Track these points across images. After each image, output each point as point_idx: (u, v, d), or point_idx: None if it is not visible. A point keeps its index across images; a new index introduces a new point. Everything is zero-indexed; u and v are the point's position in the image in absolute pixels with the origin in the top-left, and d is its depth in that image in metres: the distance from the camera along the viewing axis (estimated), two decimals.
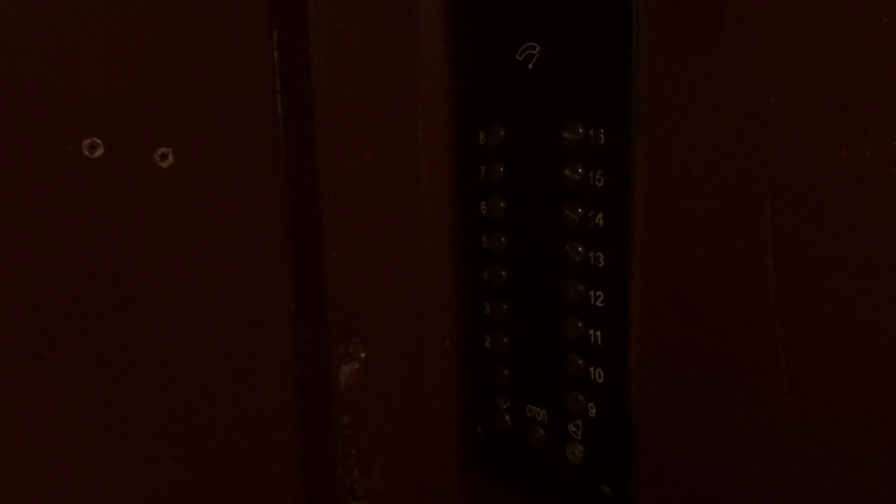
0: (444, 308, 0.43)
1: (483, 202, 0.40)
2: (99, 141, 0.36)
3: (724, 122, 0.31)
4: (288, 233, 0.42)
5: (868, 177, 0.27)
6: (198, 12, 0.38)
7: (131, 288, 0.38)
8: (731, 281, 0.31)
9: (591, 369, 0.36)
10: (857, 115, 0.27)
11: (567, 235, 0.36)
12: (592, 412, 0.36)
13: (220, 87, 0.39)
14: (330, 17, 0.38)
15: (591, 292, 0.36)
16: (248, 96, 0.40)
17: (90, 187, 0.36)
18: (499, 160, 0.39)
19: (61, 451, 0.37)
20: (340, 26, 0.39)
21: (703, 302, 0.32)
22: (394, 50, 0.40)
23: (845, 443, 0.29)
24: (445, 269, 0.43)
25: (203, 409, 0.41)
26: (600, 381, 0.36)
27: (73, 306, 0.36)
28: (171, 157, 0.38)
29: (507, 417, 0.41)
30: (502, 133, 0.39)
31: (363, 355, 0.41)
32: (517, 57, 0.37)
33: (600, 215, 0.35)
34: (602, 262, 0.35)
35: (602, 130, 0.34)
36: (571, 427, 0.37)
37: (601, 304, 0.35)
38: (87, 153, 0.36)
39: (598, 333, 0.36)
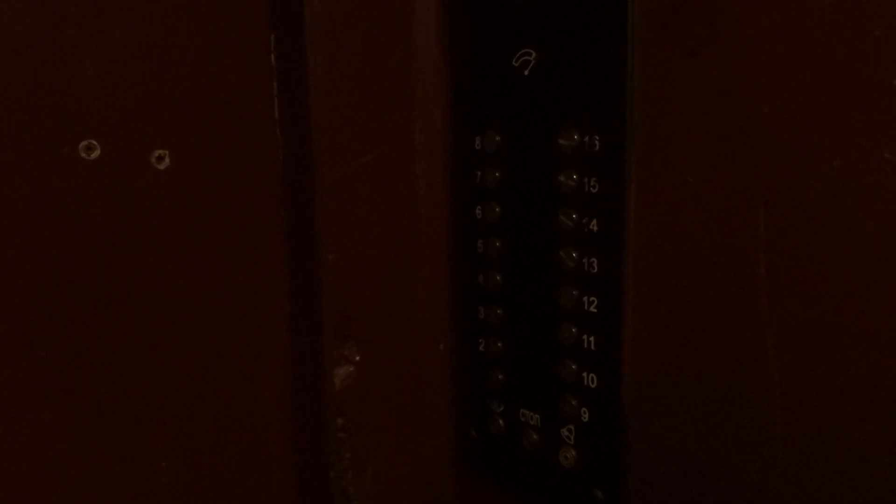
0: (439, 311, 0.43)
1: (478, 207, 0.40)
2: (96, 143, 0.36)
3: (717, 130, 0.31)
4: (284, 235, 0.42)
5: (858, 186, 0.27)
6: (195, 15, 0.38)
7: (127, 289, 0.38)
8: (723, 288, 0.32)
9: (585, 374, 0.36)
10: (848, 125, 0.27)
11: (561, 241, 0.36)
12: (585, 417, 0.37)
13: (218, 89, 0.39)
14: (327, 21, 0.38)
15: (585, 298, 0.36)
16: (245, 99, 0.40)
17: (87, 189, 0.36)
18: (494, 165, 0.39)
19: (55, 452, 0.37)
20: (337, 30, 0.39)
21: (695, 308, 0.33)
22: (390, 54, 0.41)
23: (837, 448, 0.29)
24: (440, 272, 0.43)
25: (197, 410, 0.41)
26: (593, 386, 0.36)
27: (68, 307, 0.36)
28: (167, 160, 0.38)
29: (500, 421, 0.41)
30: (498, 138, 0.39)
31: (358, 358, 0.41)
32: (513, 63, 0.38)
33: (595, 221, 0.35)
34: (596, 268, 0.35)
35: (597, 137, 0.34)
36: (564, 431, 0.38)
37: (595, 310, 0.36)
38: (83, 155, 0.36)
39: (592, 339, 0.36)
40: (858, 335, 0.28)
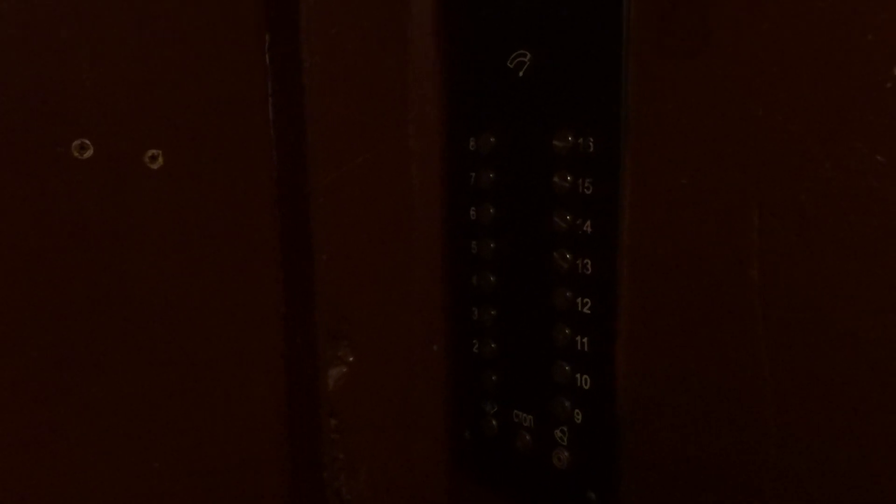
0: (433, 313, 0.43)
1: (473, 208, 0.40)
2: (89, 142, 0.36)
3: (711, 132, 0.31)
4: (278, 236, 0.42)
5: (852, 189, 0.28)
6: (190, 14, 0.38)
7: (120, 290, 0.38)
8: (716, 289, 0.32)
9: (578, 376, 0.36)
10: (841, 128, 0.27)
11: (555, 242, 0.36)
12: (579, 418, 0.37)
13: (212, 89, 0.39)
14: (322, 21, 0.38)
15: (579, 299, 0.36)
16: (239, 99, 0.40)
17: (80, 188, 0.36)
18: (489, 166, 0.39)
19: (47, 452, 0.37)
20: (332, 31, 0.39)
21: (689, 310, 0.33)
22: (386, 55, 0.41)
23: (829, 450, 0.30)
24: (434, 273, 0.43)
25: (190, 411, 0.40)
26: (587, 387, 0.36)
27: (61, 308, 0.36)
28: (161, 159, 0.38)
29: (494, 423, 0.41)
30: (493, 140, 0.39)
31: (351, 359, 0.41)
32: (508, 64, 0.38)
33: (588, 223, 0.35)
34: (590, 270, 0.35)
35: (591, 139, 0.34)
36: (558, 433, 0.38)
37: (588, 311, 0.36)
38: (76, 154, 0.35)
39: (585, 340, 0.36)
40: (851, 337, 0.28)
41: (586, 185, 0.35)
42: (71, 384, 0.37)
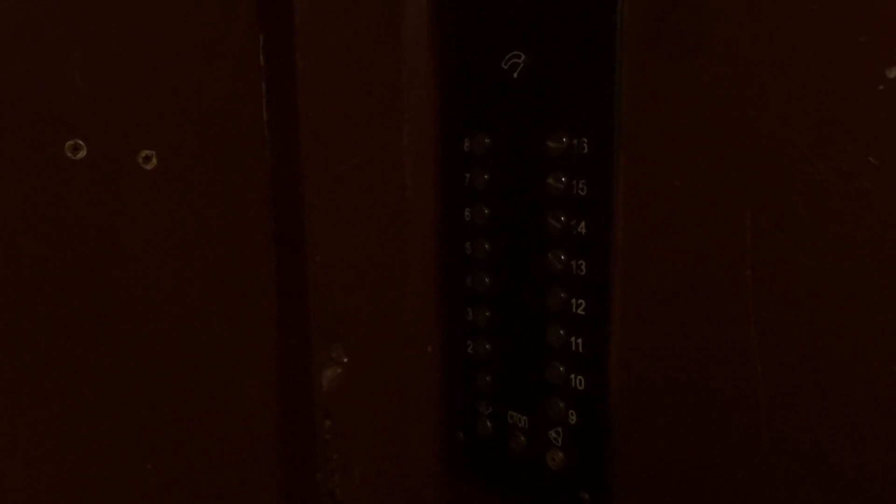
0: (428, 313, 0.43)
1: (467, 209, 0.40)
2: (82, 142, 0.35)
3: (704, 134, 0.31)
4: (272, 237, 0.42)
5: (844, 191, 0.28)
6: (184, 14, 0.38)
7: (113, 290, 0.38)
8: (709, 291, 0.32)
9: (572, 376, 0.36)
10: (834, 130, 0.28)
11: (550, 243, 0.36)
12: (573, 419, 0.37)
13: (206, 89, 0.39)
14: (316, 22, 0.38)
15: (573, 300, 0.36)
16: (233, 100, 0.40)
17: (73, 189, 0.36)
18: (483, 167, 0.39)
19: (39, 452, 0.37)
20: (327, 31, 0.39)
21: (682, 311, 0.33)
22: (380, 56, 0.41)
23: (820, 449, 0.30)
24: (429, 274, 0.43)
25: (184, 411, 0.40)
26: (581, 388, 0.36)
27: (53, 308, 0.36)
28: (154, 160, 0.38)
29: (488, 423, 0.41)
30: (487, 141, 0.39)
31: (345, 360, 0.41)
32: (502, 65, 0.38)
33: (583, 224, 0.35)
34: (584, 271, 0.35)
35: (585, 140, 0.35)
36: (552, 434, 0.38)
37: (582, 312, 0.36)
38: (69, 154, 0.35)
39: (580, 341, 0.36)
40: (843, 338, 0.29)
41: (580, 186, 0.35)
42: (63, 384, 0.37)
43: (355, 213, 0.41)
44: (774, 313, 0.30)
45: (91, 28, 0.35)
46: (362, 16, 0.40)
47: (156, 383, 0.39)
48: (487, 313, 0.40)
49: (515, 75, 0.37)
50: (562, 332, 0.36)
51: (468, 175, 0.40)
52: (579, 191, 0.35)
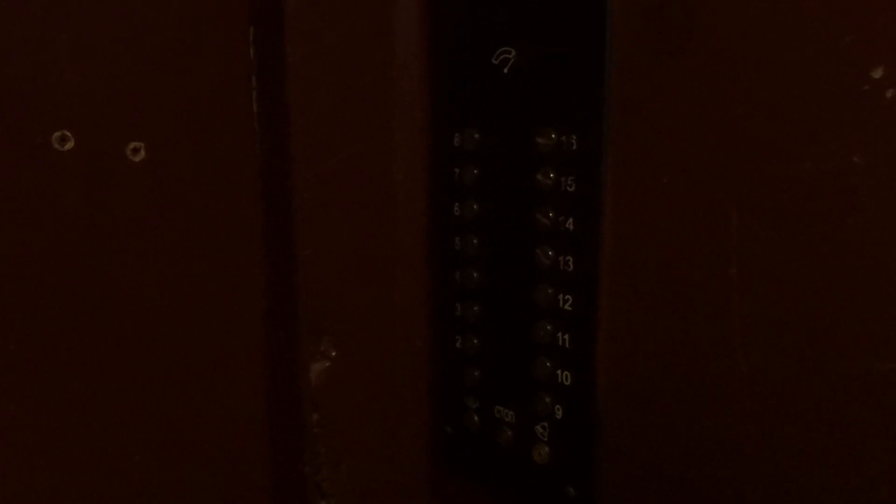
0: (416, 308, 0.43)
1: (456, 204, 0.40)
2: (69, 134, 0.35)
3: (692, 131, 0.31)
4: (261, 230, 0.42)
5: (830, 190, 0.28)
6: (173, 6, 0.38)
7: (101, 283, 0.37)
8: (695, 287, 0.32)
9: (559, 372, 0.37)
10: (819, 129, 0.28)
11: (538, 239, 0.36)
12: (559, 414, 0.37)
13: (195, 82, 0.39)
14: (307, 14, 0.38)
15: (561, 296, 0.36)
16: (223, 92, 0.40)
17: (60, 180, 0.36)
18: (473, 163, 0.39)
19: (27, 445, 0.37)
20: (318, 24, 0.39)
21: (668, 307, 0.33)
22: (371, 50, 0.40)
23: (805, 445, 0.30)
24: (418, 269, 0.43)
25: (172, 404, 0.40)
26: (567, 383, 0.36)
27: (40, 300, 0.36)
28: (143, 152, 0.37)
29: (476, 418, 0.41)
30: (477, 136, 0.39)
31: (334, 354, 0.41)
32: (493, 61, 0.38)
33: (571, 220, 0.35)
34: (571, 267, 0.35)
35: (574, 136, 0.35)
36: (538, 428, 0.38)
37: (570, 308, 0.36)
38: (57, 146, 0.35)
39: (567, 336, 0.36)
40: (827, 335, 0.29)
41: (569, 182, 0.35)
42: (50, 377, 0.37)
43: (345, 207, 0.41)
44: (760, 310, 0.30)
45: (79, 18, 0.35)
46: (353, 9, 0.40)
47: (144, 376, 0.39)
48: (476, 308, 0.40)
49: (506, 71, 0.37)
50: (549, 327, 0.37)
51: (458, 170, 0.40)
52: (568, 187, 0.35)
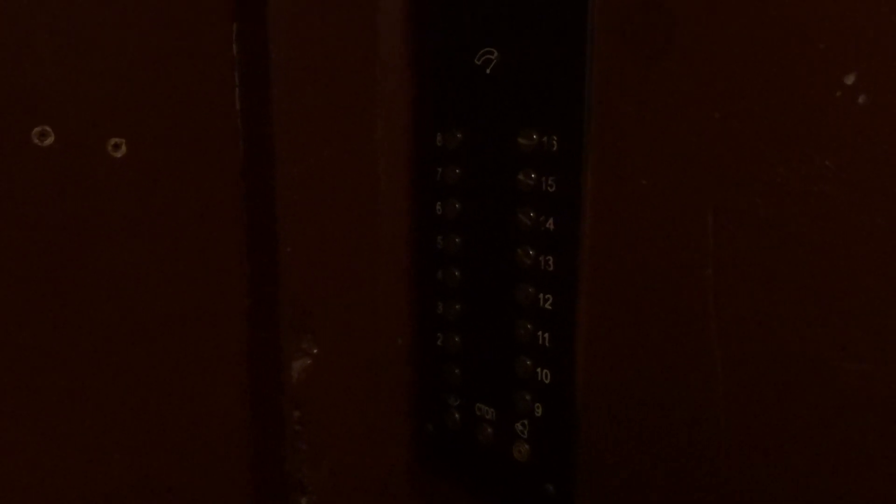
0: (398, 306, 0.44)
1: (439, 203, 0.41)
2: (49, 129, 0.35)
3: (670, 134, 0.32)
4: (243, 228, 0.41)
5: (803, 194, 0.28)
6: (156, 1, 0.38)
7: (82, 279, 0.37)
8: (672, 288, 0.32)
9: (539, 370, 0.37)
10: (794, 134, 0.28)
11: (519, 239, 0.37)
12: (539, 412, 0.37)
13: (177, 78, 0.39)
14: (290, 13, 0.38)
15: (541, 295, 0.36)
16: (205, 89, 0.40)
17: (39, 176, 0.35)
18: (455, 162, 0.39)
19: (5, 442, 0.36)
20: (301, 23, 0.39)
21: (646, 308, 0.33)
22: (354, 49, 0.41)
23: (780, 445, 0.31)
24: (400, 267, 0.43)
25: (153, 401, 0.40)
26: (547, 381, 0.37)
27: (19, 296, 0.36)
28: (124, 148, 0.37)
29: (456, 415, 0.41)
30: (459, 136, 0.39)
31: (315, 351, 0.42)
32: (476, 61, 0.38)
33: (551, 220, 0.36)
34: (552, 266, 0.36)
35: (555, 137, 0.35)
36: (518, 426, 0.38)
37: (550, 307, 0.36)
38: (36, 141, 0.35)
39: (547, 335, 0.36)
40: (800, 336, 0.29)
41: (550, 183, 0.35)
42: (30, 373, 0.37)
43: (327, 206, 0.41)
44: (735, 311, 0.31)
45: (60, 13, 0.35)
46: (337, 8, 0.40)
47: (125, 373, 0.39)
48: (457, 307, 0.40)
49: (488, 71, 0.37)
50: (529, 326, 0.37)
51: (440, 169, 0.40)
52: (548, 187, 0.35)
